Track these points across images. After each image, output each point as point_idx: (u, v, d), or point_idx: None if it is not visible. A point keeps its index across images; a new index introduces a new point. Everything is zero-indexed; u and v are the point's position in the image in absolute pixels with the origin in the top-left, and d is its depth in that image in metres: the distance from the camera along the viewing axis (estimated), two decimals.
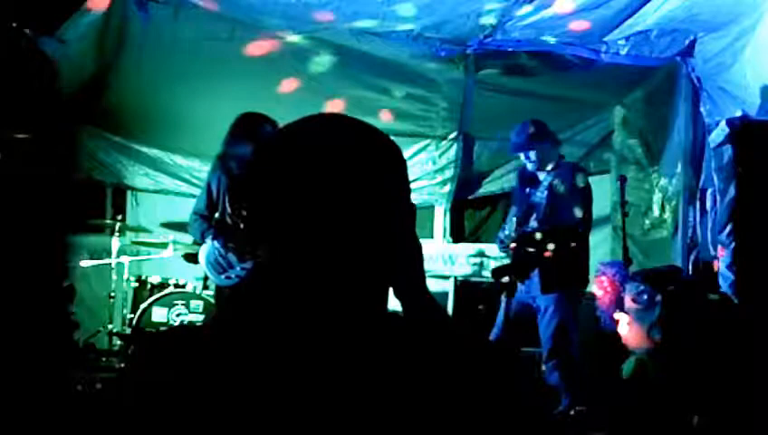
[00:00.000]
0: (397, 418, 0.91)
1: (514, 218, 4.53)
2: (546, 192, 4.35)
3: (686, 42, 5.23)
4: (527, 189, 4.50)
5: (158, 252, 5.64)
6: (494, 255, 5.97)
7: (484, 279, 5.81)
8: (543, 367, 4.42)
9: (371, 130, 1.02)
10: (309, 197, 0.95)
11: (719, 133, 4.17)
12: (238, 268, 4.13)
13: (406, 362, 0.95)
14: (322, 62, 5.51)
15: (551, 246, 4.18)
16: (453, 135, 6.29)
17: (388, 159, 1.01)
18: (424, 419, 0.92)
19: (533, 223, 4.39)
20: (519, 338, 4.48)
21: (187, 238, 5.07)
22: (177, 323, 5.08)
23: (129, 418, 0.94)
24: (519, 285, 4.47)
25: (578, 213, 4.31)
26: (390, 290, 1.05)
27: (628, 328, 2.81)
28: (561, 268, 4.25)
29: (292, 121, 1.03)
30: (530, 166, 4.46)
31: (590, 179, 6.37)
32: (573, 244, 4.21)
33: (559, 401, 4.28)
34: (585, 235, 4.41)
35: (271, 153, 1.01)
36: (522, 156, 4.48)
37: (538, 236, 4.23)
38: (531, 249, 4.26)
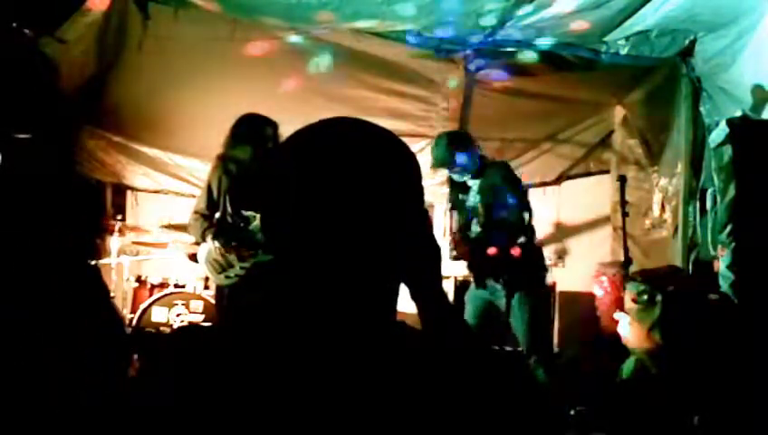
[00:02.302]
0: (399, 423, 0.92)
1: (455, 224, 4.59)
2: (478, 196, 4.39)
3: (686, 42, 5.23)
4: (460, 196, 4.54)
5: (158, 252, 5.64)
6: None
7: None
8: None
9: (387, 135, 1.03)
10: (323, 200, 0.96)
11: (719, 133, 4.17)
12: (238, 268, 4.13)
13: (410, 369, 0.95)
14: (322, 62, 5.51)
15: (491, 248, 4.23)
16: None
17: (403, 164, 1.02)
18: (425, 424, 0.92)
19: (476, 227, 4.42)
20: (495, 338, 4.51)
21: (188, 238, 5.06)
22: (177, 324, 5.07)
23: (138, 420, 0.94)
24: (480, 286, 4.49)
25: (515, 209, 4.32)
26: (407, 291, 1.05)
27: (628, 328, 2.81)
28: (517, 267, 4.26)
29: (308, 125, 1.03)
30: (456, 177, 4.50)
31: (590, 180, 6.45)
32: (517, 241, 4.24)
33: (548, 395, 4.29)
34: (528, 228, 4.41)
35: (286, 156, 1.01)
36: (445, 170, 4.50)
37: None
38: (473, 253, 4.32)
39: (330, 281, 0.97)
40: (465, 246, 4.41)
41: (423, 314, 1.04)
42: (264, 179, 1.01)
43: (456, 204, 4.58)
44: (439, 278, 1.06)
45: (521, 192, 4.39)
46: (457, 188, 4.56)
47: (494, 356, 1.04)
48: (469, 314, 4.50)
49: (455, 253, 4.48)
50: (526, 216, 4.33)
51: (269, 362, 0.94)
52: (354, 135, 1.01)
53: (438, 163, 4.50)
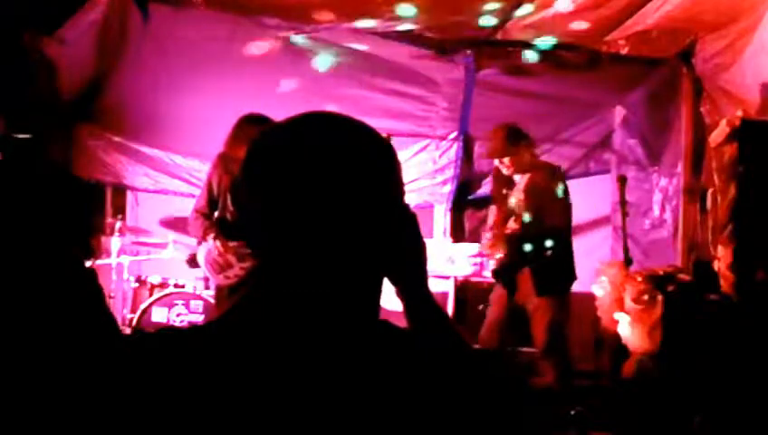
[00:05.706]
0: (384, 425, 0.91)
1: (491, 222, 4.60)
2: (523, 194, 4.37)
3: (686, 42, 5.23)
4: (504, 191, 4.52)
5: (158, 252, 5.64)
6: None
7: (484, 279, 5.81)
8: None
9: (363, 129, 1.01)
10: (298, 196, 0.95)
11: (719, 133, 4.17)
12: (237, 268, 4.13)
13: (395, 370, 0.95)
14: (322, 62, 5.51)
15: (531, 249, 4.24)
16: (453, 135, 6.28)
17: (380, 158, 1.00)
18: (411, 426, 0.92)
19: (512, 224, 4.41)
20: (517, 338, 4.51)
21: (187, 238, 5.06)
22: (177, 324, 5.07)
23: (116, 423, 0.93)
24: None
25: (556, 214, 4.32)
26: (393, 290, 1.04)
27: (628, 328, 2.81)
28: (548, 270, 4.28)
29: (283, 120, 1.02)
30: (505, 171, 4.48)
31: (590, 180, 6.45)
32: (551, 246, 4.25)
33: (554, 399, 4.30)
34: (566, 235, 4.41)
35: (260, 152, 1.00)
36: (496, 161, 4.48)
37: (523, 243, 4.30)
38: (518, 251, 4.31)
39: (313, 280, 0.96)
40: (500, 241, 4.42)
41: (408, 312, 1.03)
42: (242, 177, 1.00)
43: (498, 198, 4.57)
44: (424, 276, 1.05)
45: (564, 199, 4.38)
46: (502, 183, 4.53)
47: (477, 356, 1.04)
48: (493, 314, 4.48)
49: (491, 246, 4.50)
50: (563, 224, 4.34)
51: (250, 362, 0.93)
52: (329, 129, 1.00)
53: (490, 154, 4.49)
